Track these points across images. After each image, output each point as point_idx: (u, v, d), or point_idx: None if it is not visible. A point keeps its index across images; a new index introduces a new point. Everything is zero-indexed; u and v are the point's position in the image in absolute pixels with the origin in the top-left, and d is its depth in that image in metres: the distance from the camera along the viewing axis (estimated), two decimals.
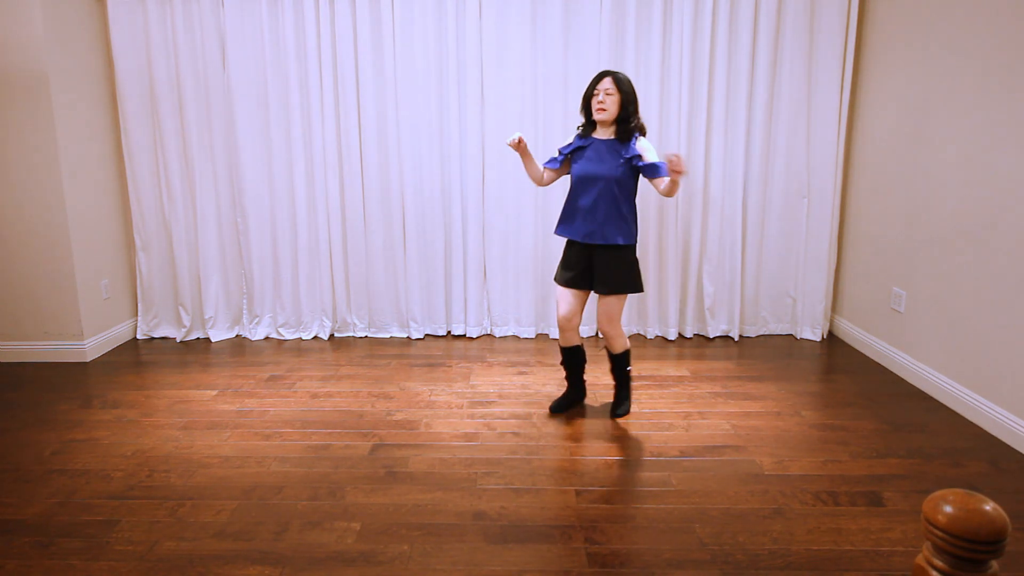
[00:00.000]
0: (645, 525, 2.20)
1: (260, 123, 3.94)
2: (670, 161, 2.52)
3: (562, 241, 3.99)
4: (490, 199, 3.99)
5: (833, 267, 4.07)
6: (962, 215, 3.01)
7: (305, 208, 4.03)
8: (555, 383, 3.40)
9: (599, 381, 3.38)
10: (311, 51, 3.82)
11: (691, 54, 3.79)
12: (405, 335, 4.20)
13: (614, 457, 2.65)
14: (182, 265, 4.09)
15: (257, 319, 4.19)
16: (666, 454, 2.67)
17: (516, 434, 2.84)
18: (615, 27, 3.80)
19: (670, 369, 3.62)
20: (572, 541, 2.11)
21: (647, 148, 2.72)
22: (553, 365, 3.66)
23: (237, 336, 4.21)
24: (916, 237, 3.34)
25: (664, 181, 2.67)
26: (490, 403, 3.17)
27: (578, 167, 2.80)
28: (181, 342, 4.13)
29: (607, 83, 2.71)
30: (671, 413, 3.05)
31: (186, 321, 4.14)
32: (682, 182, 3.94)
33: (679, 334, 4.18)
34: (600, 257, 2.79)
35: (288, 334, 4.17)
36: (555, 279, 2.93)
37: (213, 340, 4.13)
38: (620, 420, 2.97)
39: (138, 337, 4.19)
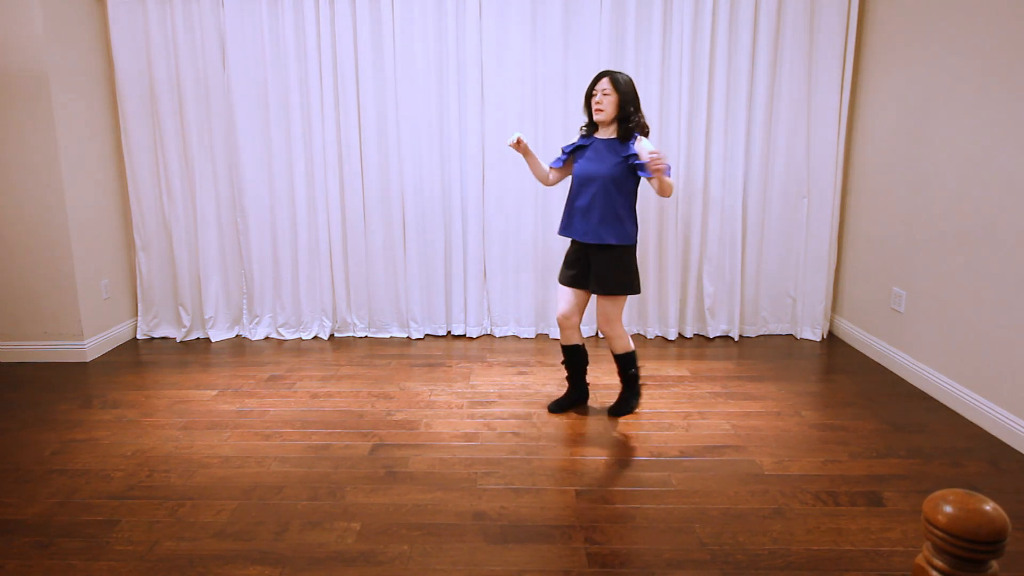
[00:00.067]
0: (645, 525, 2.20)
1: (260, 123, 3.94)
2: (650, 159, 2.52)
3: (565, 241, 4.00)
4: (490, 199, 3.99)
5: (833, 267, 4.07)
6: (962, 215, 3.01)
7: (305, 208, 4.03)
8: (555, 383, 3.40)
9: (599, 381, 3.38)
10: (311, 51, 3.82)
11: (691, 54, 3.79)
12: (405, 335, 4.20)
13: (614, 457, 2.65)
14: (182, 265, 4.09)
15: (257, 319, 4.19)
16: (666, 454, 2.67)
17: (516, 434, 2.84)
18: (615, 27, 3.80)
19: (670, 369, 3.62)
20: (572, 541, 2.11)
21: (646, 148, 2.70)
22: (553, 365, 3.66)
23: (237, 336, 4.22)
24: (916, 237, 3.34)
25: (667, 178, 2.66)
26: (490, 403, 3.17)
27: (577, 167, 2.82)
28: (181, 342, 4.13)
29: (604, 83, 2.72)
30: (671, 413, 3.05)
31: (186, 321, 4.14)
32: (682, 182, 3.94)
33: (679, 334, 4.18)
34: (596, 257, 2.80)
35: (288, 334, 4.17)
36: (558, 278, 2.94)
37: (213, 340, 4.13)
38: (621, 420, 2.97)
39: (138, 337, 4.19)
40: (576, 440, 2.79)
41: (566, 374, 3.10)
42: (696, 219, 4.00)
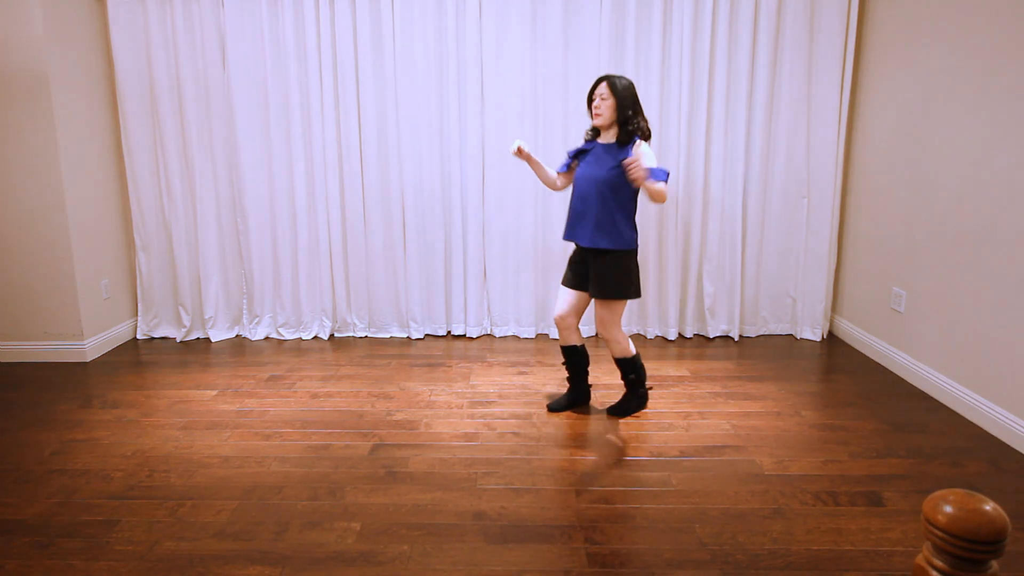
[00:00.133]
0: (645, 525, 2.20)
1: (260, 123, 3.94)
2: (625, 165, 2.49)
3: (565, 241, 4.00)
4: (490, 199, 3.99)
5: (833, 267, 4.07)
6: (962, 215, 3.01)
7: (305, 208, 4.03)
8: (555, 383, 3.40)
9: (599, 381, 3.38)
10: (311, 51, 3.82)
11: (691, 54, 3.79)
12: (405, 335, 4.20)
13: (614, 457, 2.65)
14: (182, 265, 4.09)
15: (257, 319, 4.19)
16: (666, 454, 2.67)
17: (516, 434, 2.84)
18: (615, 27, 3.80)
19: (670, 369, 3.62)
20: (572, 541, 2.11)
21: (644, 153, 2.66)
22: (553, 365, 3.66)
23: (237, 336, 4.22)
24: (916, 237, 3.34)
25: (652, 184, 2.58)
26: (490, 403, 3.17)
27: (578, 171, 2.83)
28: (181, 342, 4.13)
29: (602, 88, 2.72)
30: (671, 413, 3.05)
31: (186, 321, 4.14)
32: (682, 182, 3.94)
33: (679, 334, 4.18)
34: (593, 261, 2.80)
35: (288, 334, 4.17)
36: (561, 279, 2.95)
37: (213, 340, 4.13)
38: (621, 420, 2.97)
39: (138, 337, 4.19)
40: (576, 440, 2.79)
41: (567, 375, 3.10)
42: (696, 219, 4.00)
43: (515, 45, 3.82)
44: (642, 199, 3.69)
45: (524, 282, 4.12)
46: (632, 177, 2.49)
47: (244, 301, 4.19)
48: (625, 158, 2.66)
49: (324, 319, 4.15)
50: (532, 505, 2.31)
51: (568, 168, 2.95)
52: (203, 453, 2.69)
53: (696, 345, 4.04)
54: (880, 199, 3.67)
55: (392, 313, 4.18)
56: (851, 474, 2.51)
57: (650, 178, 2.55)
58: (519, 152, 2.83)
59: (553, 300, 4.09)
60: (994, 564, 0.90)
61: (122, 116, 3.90)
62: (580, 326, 2.98)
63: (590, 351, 3.77)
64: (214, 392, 3.32)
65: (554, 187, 3.02)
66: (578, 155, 2.88)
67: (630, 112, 2.70)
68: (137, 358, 3.85)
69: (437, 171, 3.98)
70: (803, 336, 4.12)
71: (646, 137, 2.75)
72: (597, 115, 2.74)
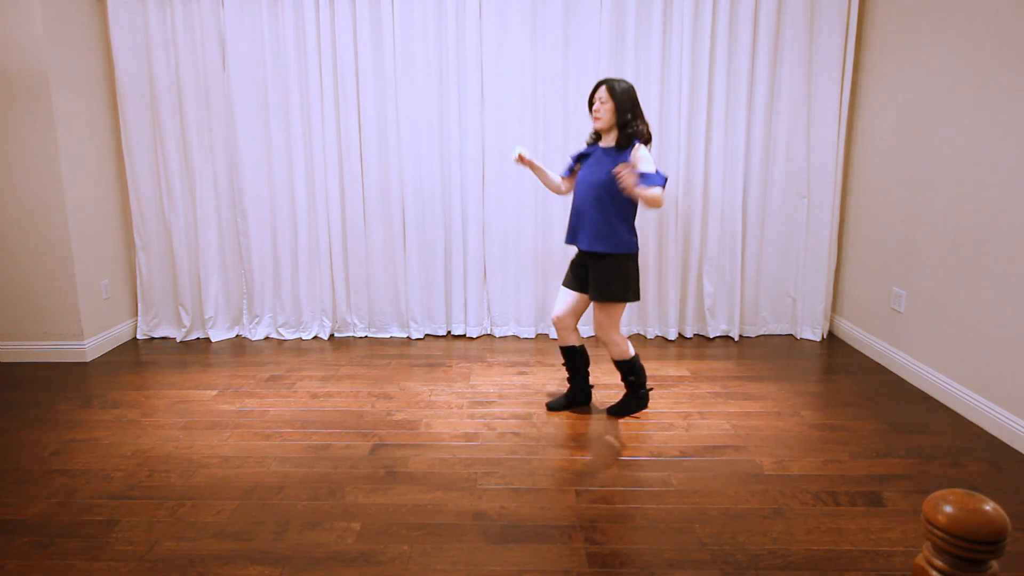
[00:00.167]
0: (645, 525, 2.20)
1: (260, 123, 3.94)
2: (615, 172, 2.50)
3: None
4: (490, 199, 3.99)
5: (833, 267, 4.07)
6: (962, 215, 3.01)
7: (305, 208, 4.03)
8: (555, 383, 3.40)
9: (599, 381, 3.38)
10: (311, 51, 3.82)
11: (691, 54, 3.79)
12: (405, 335, 4.20)
13: (614, 457, 2.65)
14: (182, 265, 4.09)
15: (257, 319, 4.19)
16: (666, 454, 2.67)
17: (516, 434, 2.84)
18: (615, 27, 3.80)
19: (670, 369, 3.62)
20: (572, 541, 2.11)
21: (641, 157, 2.65)
22: (553, 365, 3.66)
23: (237, 336, 4.22)
24: (916, 237, 3.34)
25: (644, 191, 2.57)
26: (490, 403, 3.17)
27: (579, 175, 2.84)
28: (181, 342, 4.13)
29: (601, 91, 2.72)
30: (671, 413, 3.05)
31: (186, 321, 4.14)
32: (682, 182, 3.94)
33: (679, 334, 4.18)
34: (592, 264, 2.80)
35: (288, 334, 4.17)
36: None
37: (213, 340, 4.13)
38: (621, 420, 2.97)
39: (138, 337, 4.19)
40: (576, 440, 2.79)
41: (567, 375, 3.10)
42: (696, 219, 4.00)
43: (515, 45, 3.82)
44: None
45: (524, 282, 4.12)
46: (621, 185, 2.50)
47: (244, 301, 4.20)
48: (623, 162, 2.66)
49: (324, 319, 4.15)
50: (532, 505, 2.31)
51: (571, 172, 2.95)
52: (203, 453, 2.69)
53: (696, 345, 4.04)
54: (880, 199, 3.67)
55: (392, 313, 4.18)
56: (851, 474, 2.51)
57: (642, 184, 2.55)
58: (520, 159, 2.85)
59: (553, 300, 4.09)
60: (994, 564, 0.90)
61: (122, 116, 3.90)
62: (580, 326, 2.97)
63: (590, 351, 3.77)
64: (214, 392, 3.32)
65: (559, 192, 3.03)
66: (580, 159, 2.88)
67: (629, 116, 2.69)
68: (137, 358, 3.85)
69: (437, 171, 3.98)
70: (803, 336, 4.12)
71: (646, 141, 2.73)
72: (596, 118, 2.74)
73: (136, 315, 4.22)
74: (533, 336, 4.17)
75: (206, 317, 4.13)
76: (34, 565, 2.01)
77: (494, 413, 3.05)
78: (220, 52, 3.85)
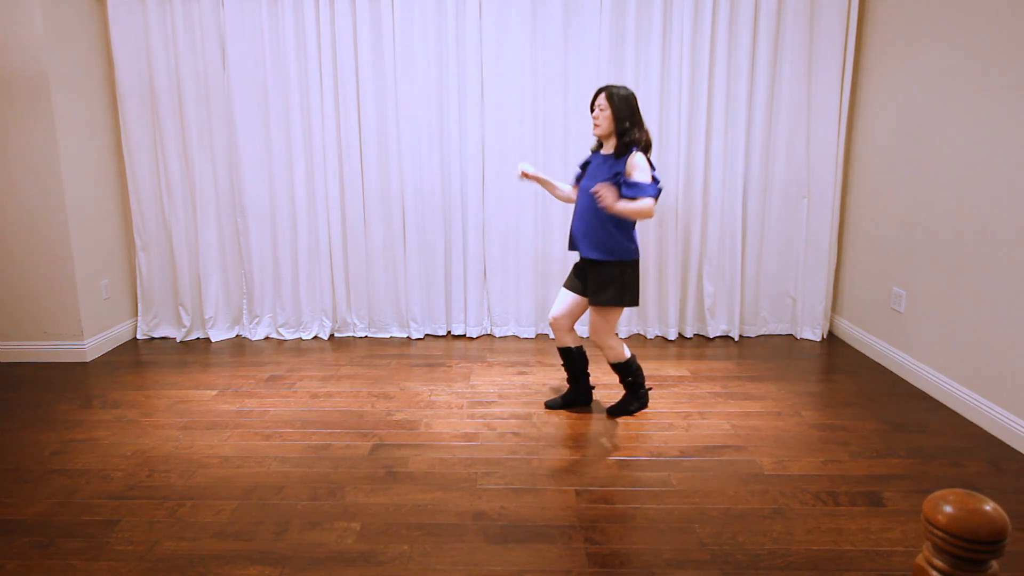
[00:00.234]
0: (645, 525, 2.20)
1: (260, 123, 3.94)
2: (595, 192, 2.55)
3: (565, 241, 4.01)
4: (490, 199, 3.99)
5: (833, 267, 4.07)
6: (962, 215, 3.01)
7: (305, 208, 4.03)
8: (555, 383, 3.40)
9: (599, 381, 3.38)
10: (311, 51, 3.82)
11: (691, 54, 3.79)
12: (405, 335, 4.20)
13: (614, 457, 2.65)
14: (182, 265, 4.09)
15: (257, 319, 4.19)
16: (666, 454, 2.67)
17: (516, 434, 2.84)
18: (615, 27, 3.80)
19: (670, 369, 3.62)
20: (572, 541, 2.11)
21: (635, 165, 2.63)
22: (553, 365, 3.66)
23: (237, 336, 4.22)
24: (916, 237, 3.34)
25: (635, 201, 2.60)
26: (490, 403, 3.17)
27: (581, 182, 2.85)
28: (181, 342, 4.13)
29: (601, 98, 2.72)
30: (671, 413, 3.05)
31: (186, 321, 4.14)
32: (682, 182, 3.94)
33: (679, 334, 4.18)
34: (590, 269, 2.81)
35: (288, 334, 4.17)
36: None
37: (213, 340, 4.14)
38: (621, 420, 2.97)
39: (138, 337, 4.19)
40: (576, 440, 2.79)
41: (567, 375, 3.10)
42: (696, 219, 4.00)
43: (515, 45, 3.82)
44: None
45: (524, 282, 4.12)
46: (600, 205, 2.56)
47: (244, 301, 4.20)
48: (616, 171, 2.67)
49: (324, 319, 4.15)
50: (532, 505, 2.31)
51: (578, 180, 2.96)
52: (203, 453, 2.69)
53: (696, 345, 4.04)
54: (880, 199, 3.67)
55: (392, 313, 4.18)
56: (851, 474, 2.51)
57: (629, 195, 2.59)
58: (524, 176, 2.87)
59: (553, 300, 4.09)
60: (994, 564, 0.90)
61: (122, 116, 3.90)
62: (573, 329, 2.98)
63: (589, 353, 3.77)
64: (214, 392, 3.32)
65: (570, 201, 3.03)
66: (585, 166, 2.90)
67: (627, 124, 2.68)
68: (137, 358, 3.85)
69: (437, 171, 3.98)
70: (803, 336, 4.12)
71: (645, 148, 2.71)
72: (596, 125, 2.75)
73: (136, 315, 4.22)
74: (533, 336, 4.17)
75: (206, 317, 4.13)
76: (34, 565, 2.01)
77: (494, 413, 3.06)
78: (220, 52, 3.85)
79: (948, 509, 0.89)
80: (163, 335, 4.20)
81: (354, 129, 3.93)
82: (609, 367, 3.54)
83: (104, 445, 2.77)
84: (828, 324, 4.19)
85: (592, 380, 3.21)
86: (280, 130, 3.94)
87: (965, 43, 2.99)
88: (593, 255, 2.74)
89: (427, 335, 4.22)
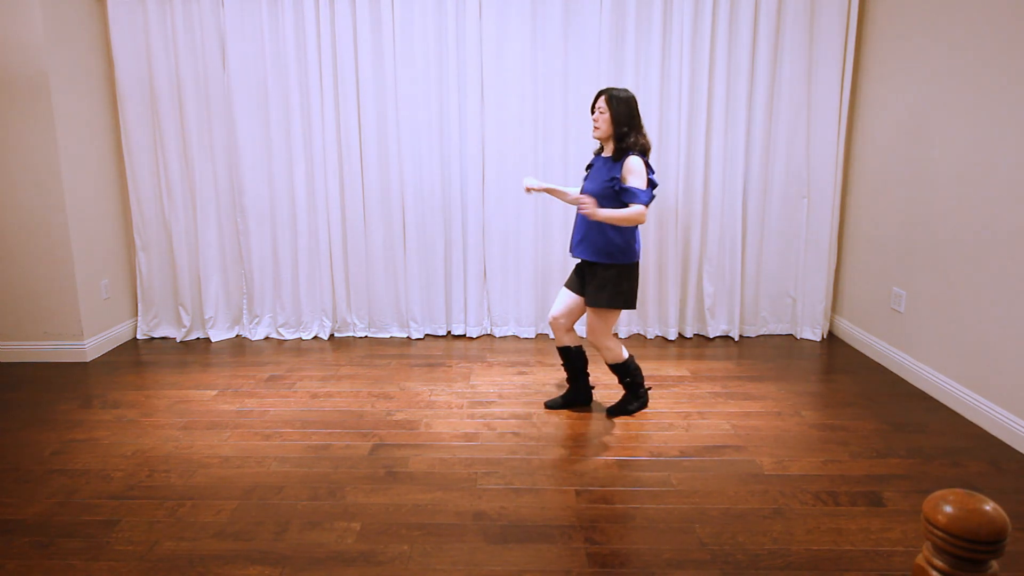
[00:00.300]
0: (645, 525, 2.20)
1: (260, 123, 3.94)
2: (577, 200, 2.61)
3: (565, 240, 4.01)
4: (490, 199, 3.99)
5: (833, 267, 4.07)
6: (962, 215, 3.01)
7: (305, 208, 4.03)
8: (555, 383, 3.40)
9: (598, 381, 3.38)
10: (311, 51, 3.82)
11: (691, 54, 3.79)
12: (405, 335, 4.20)
13: (614, 457, 2.65)
14: (182, 265, 4.09)
15: (257, 319, 4.19)
16: (666, 454, 2.67)
17: (516, 434, 2.84)
18: (615, 27, 3.80)
19: (670, 369, 3.62)
20: (572, 541, 2.11)
21: (630, 170, 2.63)
22: (553, 365, 3.66)
23: (237, 336, 4.22)
24: (916, 237, 3.34)
25: (624, 208, 2.62)
26: (490, 403, 3.17)
27: (583, 185, 2.86)
28: (181, 342, 4.13)
29: (600, 101, 2.73)
30: (671, 413, 3.05)
31: (186, 321, 4.14)
32: (682, 182, 3.94)
33: (679, 334, 4.18)
34: (588, 270, 2.83)
35: (288, 334, 4.17)
36: None
37: (213, 340, 4.13)
38: (621, 420, 2.97)
39: (138, 337, 4.19)
40: (576, 440, 2.79)
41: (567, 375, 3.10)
42: (696, 219, 4.00)
43: (515, 45, 3.82)
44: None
45: (524, 282, 4.12)
46: (581, 213, 2.61)
47: (244, 301, 4.20)
48: (612, 175, 2.67)
49: (324, 319, 4.15)
50: (532, 505, 2.31)
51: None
52: (203, 453, 2.69)
53: (696, 345, 4.04)
54: (880, 199, 3.67)
55: (392, 313, 4.18)
56: (851, 474, 2.51)
57: (604, 209, 2.61)
58: (530, 191, 2.89)
59: (553, 300, 4.09)
60: (994, 564, 0.90)
61: (122, 116, 3.90)
62: (572, 328, 2.98)
63: (589, 352, 3.77)
64: (214, 392, 3.32)
65: None
66: (590, 168, 2.90)
67: (625, 128, 2.68)
68: (137, 358, 3.85)
69: (437, 171, 3.98)
70: (803, 336, 4.12)
71: (643, 152, 2.71)
72: (595, 128, 2.75)
73: (136, 315, 4.22)
74: (533, 336, 4.17)
75: (206, 317, 4.13)
76: (34, 565, 2.01)
77: (494, 413, 3.05)
78: (220, 52, 3.85)
79: (948, 509, 0.89)
80: (163, 335, 4.20)
81: (354, 129, 3.93)
82: (605, 367, 3.56)
83: (104, 445, 2.77)
84: (828, 324, 4.19)
85: (592, 380, 3.21)
86: (280, 130, 3.93)
87: (965, 43, 2.99)
88: (592, 257, 2.75)
89: (427, 335, 4.22)
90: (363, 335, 4.21)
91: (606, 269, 2.74)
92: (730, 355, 3.85)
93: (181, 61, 3.82)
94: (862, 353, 3.84)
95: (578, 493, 2.39)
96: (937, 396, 3.18)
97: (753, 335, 4.19)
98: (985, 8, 2.86)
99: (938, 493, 0.92)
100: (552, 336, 4.14)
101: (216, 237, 4.08)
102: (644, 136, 2.72)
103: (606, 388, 3.30)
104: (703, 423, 2.95)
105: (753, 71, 3.85)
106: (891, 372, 3.54)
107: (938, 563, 0.91)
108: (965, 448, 2.72)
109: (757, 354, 3.86)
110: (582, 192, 2.81)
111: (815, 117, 3.88)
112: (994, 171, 2.81)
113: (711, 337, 4.13)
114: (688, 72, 3.80)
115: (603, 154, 2.83)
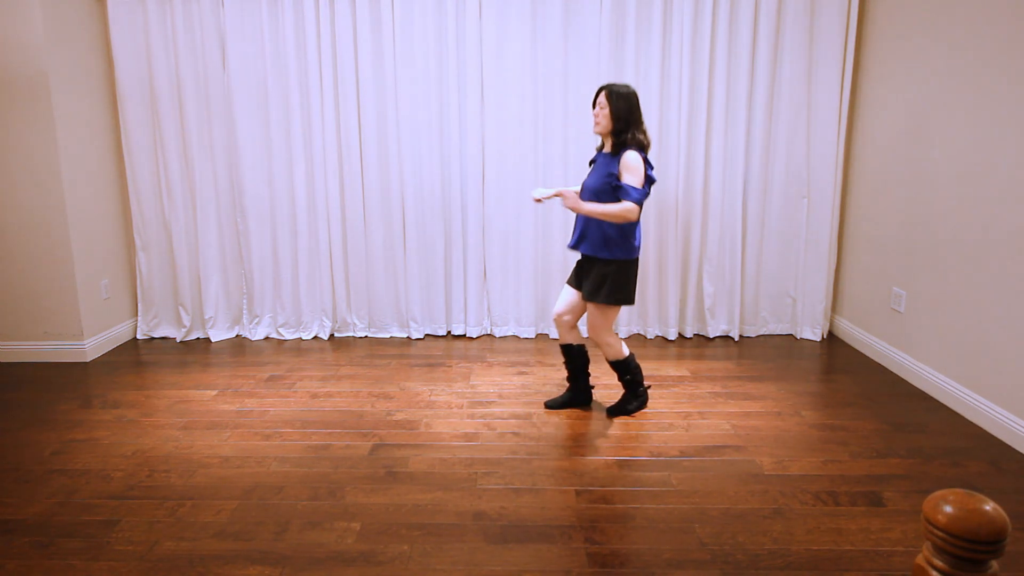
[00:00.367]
0: (645, 525, 2.20)
1: (260, 123, 3.94)
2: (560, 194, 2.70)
3: (565, 240, 4.01)
4: (490, 199, 3.99)
5: (833, 267, 4.07)
6: (962, 215, 3.01)
7: (305, 208, 4.03)
8: (555, 383, 3.40)
9: (598, 381, 3.38)
10: (311, 51, 3.82)
11: (691, 54, 3.79)
12: (405, 335, 4.20)
13: (614, 457, 2.65)
14: (182, 265, 4.09)
15: (257, 319, 4.19)
16: (666, 454, 2.67)
17: (516, 434, 2.84)
18: (615, 27, 3.80)
19: (670, 369, 3.62)
20: (572, 541, 2.11)
21: (627, 166, 2.63)
22: (553, 365, 3.66)
23: (237, 336, 4.22)
24: (916, 237, 3.34)
25: (619, 203, 2.62)
26: (490, 403, 3.17)
27: (584, 180, 2.87)
28: (181, 342, 4.13)
29: (601, 96, 2.73)
30: (671, 413, 3.05)
31: (186, 321, 4.14)
32: (682, 182, 3.94)
33: (679, 334, 4.18)
34: (588, 265, 2.83)
35: (288, 334, 4.17)
36: None
37: (213, 340, 4.13)
38: (621, 420, 2.97)
39: (138, 337, 4.19)
40: (576, 440, 2.79)
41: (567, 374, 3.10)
42: (696, 219, 4.00)
43: (515, 45, 3.82)
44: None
45: (524, 282, 4.12)
46: (564, 206, 2.68)
47: (244, 301, 4.19)
48: (610, 170, 2.68)
49: (324, 319, 4.15)
50: (532, 505, 2.31)
51: None
52: (203, 453, 2.69)
53: (696, 345, 4.04)
54: (880, 199, 3.67)
55: (392, 313, 4.18)
56: (851, 474, 2.51)
57: (589, 203, 2.65)
58: (539, 201, 2.90)
59: (553, 300, 4.09)
60: (994, 564, 0.90)
61: (122, 116, 3.90)
62: (575, 326, 2.99)
63: (590, 352, 3.77)
64: (214, 392, 3.32)
65: None
66: (593, 163, 2.91)
67: (624, 124, 2.68)
68: (137, 358, 3.85)
69: (437, 171, 3.98)
70: (803, 336, 4.12)
71: (642, 148, 2.70)
72: (596, 123, 2.76)
73: (136, 315, 4.22)
74: (533, 336, 4.17)
75: (206, 317, 4.13)
76: (34, 565, 2.01)
77: (494, 413, 3.05)
78: (220, 52, 3.85)
79: (948, 509, 0.89)
80: (163, 335, 4.20)
81: (354, 129, 3.93)
82: (606, 367, 3.56)
83: (104, 445, 2.77)
84: (828, 324, 4.19)
85: (592, 380, 3.21)
86: (280, 130, 3.93)
87: (965, 43, 2.99)
88: (591, 253, 2.77)
89: (427, 335, 4.22)
90: (363, 335, 4.21)
91: (605, 264, 2.74)
92: (730, 355, 3.85)
93: (181, 61, 3.82)
94: (862, 353, 3.84)
95: (578, 493, 2.39)
96: (937, 396, 3.18)
97: (753, 335, 4.19)
98: (985, 8, 2.86)
99: (938, 493, 0.92)
100: (555, 336, 4.15)
101: (216, 237, 4.08)
102: (643, 132, 2.72)
103: (606, 388, 3.30)
104: (703, 423, 2.95)
105: (753, 71, 3.86)
106: (891, 372, 3.54)
107: (938, 563, 0.91)
108: (965, 448, 2.72)
109: (757, 354, 3.86)
110: (583, 187, 2.81)
111: (815, 117, 3.88)
112: (994, 171, 2.81)
113: (711, 337, 4.13)
114: (688, 72, 3.80)
115: (604, 150, 2.83)
